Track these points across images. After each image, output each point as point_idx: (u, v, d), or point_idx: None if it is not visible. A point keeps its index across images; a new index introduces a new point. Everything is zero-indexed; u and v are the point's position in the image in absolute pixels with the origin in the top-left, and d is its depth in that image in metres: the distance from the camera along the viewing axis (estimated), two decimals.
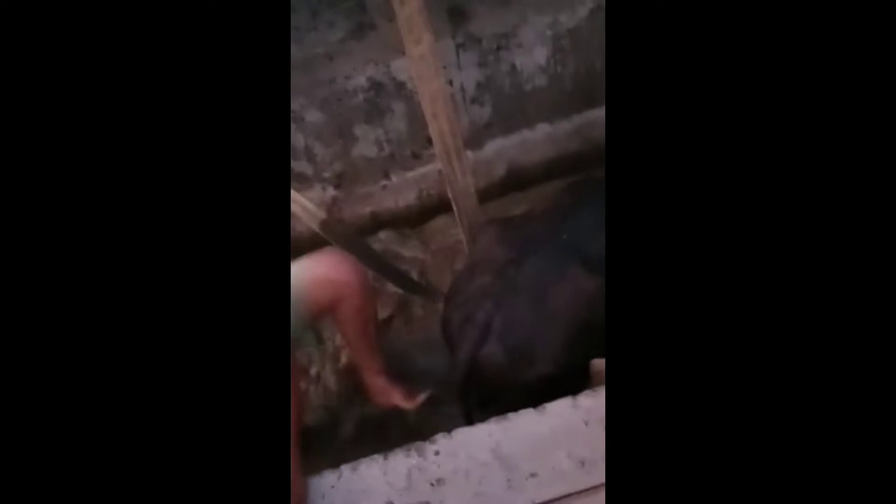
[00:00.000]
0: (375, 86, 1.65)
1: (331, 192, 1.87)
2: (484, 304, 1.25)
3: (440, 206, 1.92)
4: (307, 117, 1.67)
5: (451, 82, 1.67)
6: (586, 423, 1.07)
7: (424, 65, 1.28)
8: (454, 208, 1.55)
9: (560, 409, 1.10)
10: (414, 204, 1.96)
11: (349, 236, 1.73)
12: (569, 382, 1.30)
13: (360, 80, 1.63)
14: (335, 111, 1.68)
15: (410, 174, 1.90)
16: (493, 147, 1.90)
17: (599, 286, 1.27)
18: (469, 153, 1.89)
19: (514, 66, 1.69)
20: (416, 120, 1.69)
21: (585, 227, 1.30)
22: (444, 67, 1.63)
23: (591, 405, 1.09)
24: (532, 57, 1.68)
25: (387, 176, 1.89)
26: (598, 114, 1.92)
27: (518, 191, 2.03)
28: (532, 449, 1.06)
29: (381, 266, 1.74)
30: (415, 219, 1.98)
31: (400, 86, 1.66)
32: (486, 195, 2.03)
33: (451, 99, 1.51)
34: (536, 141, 1.92)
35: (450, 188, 1.50)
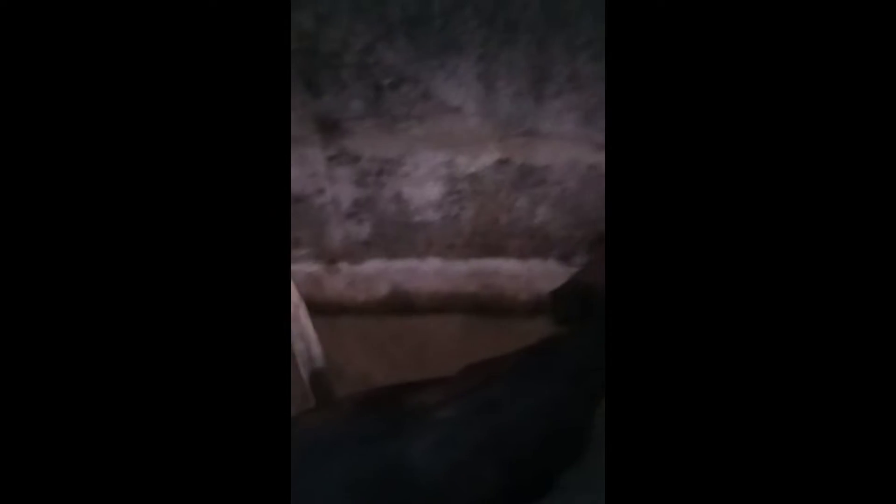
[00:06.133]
0: None
1: None
2: None
3: None
4: None
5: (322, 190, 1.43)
6: None
7: None
8: None
9: None
10: None
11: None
12: None
13: None
14: None
15: None
16: (373, 266, 1.65)
17: None
18: (346, 264, 1.66)
19: (399, 195, 1.44)
20: None
21: None
22: (313, 175, 1.39)
23: None
24: (422, 190, 1.43)
25: None
26: (500, 264, 1.66)
27: (404, 314, 1.79)
28: None
29: None
30: None
31: None
32: (365, 309, 1.79)
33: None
34: (426, 272, 1.67)
35: None
